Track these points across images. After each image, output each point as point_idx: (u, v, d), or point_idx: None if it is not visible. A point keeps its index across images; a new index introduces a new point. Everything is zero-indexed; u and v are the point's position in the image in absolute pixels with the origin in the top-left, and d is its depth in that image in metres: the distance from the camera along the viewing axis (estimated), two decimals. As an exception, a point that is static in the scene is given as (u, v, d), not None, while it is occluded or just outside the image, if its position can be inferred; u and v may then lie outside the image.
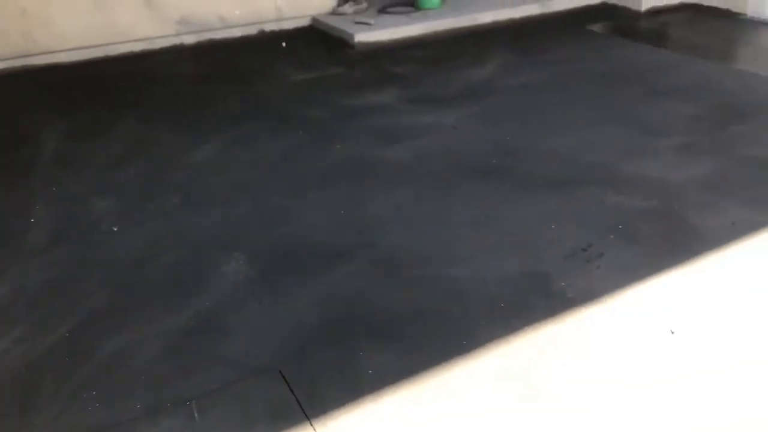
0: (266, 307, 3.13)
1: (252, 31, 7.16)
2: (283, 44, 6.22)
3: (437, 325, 2.98)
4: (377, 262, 3.43)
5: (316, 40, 7.09)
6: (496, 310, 3.05)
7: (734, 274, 3.18)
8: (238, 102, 5.56)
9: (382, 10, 7.50)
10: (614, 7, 7.77)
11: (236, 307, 3.14)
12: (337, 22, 7.23)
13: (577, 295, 3.09)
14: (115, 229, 3.82)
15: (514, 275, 3.29)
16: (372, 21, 7.11)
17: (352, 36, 6.85)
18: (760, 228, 3.51)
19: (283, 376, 2.70)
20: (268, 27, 7.24)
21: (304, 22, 7.45)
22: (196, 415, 2.55)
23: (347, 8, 7.43)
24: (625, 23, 7.36)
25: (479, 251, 3.49)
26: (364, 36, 6.85)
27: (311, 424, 2.48)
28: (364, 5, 7.53)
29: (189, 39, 6.84)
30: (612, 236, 3.53)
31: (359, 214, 3.86)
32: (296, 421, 2.49)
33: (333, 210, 3.90)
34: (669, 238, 3.50)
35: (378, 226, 3.73)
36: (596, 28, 7.11)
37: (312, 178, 4.27)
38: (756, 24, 6.96)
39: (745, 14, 7.16)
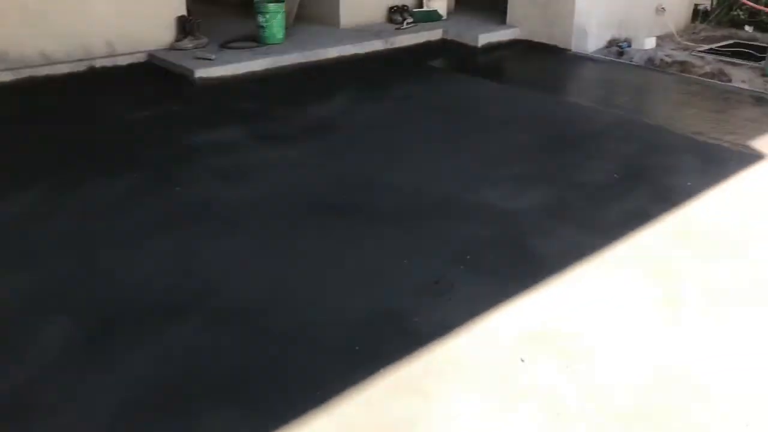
0: (92, 377, 2.77)
1: (80, 67, 6.63)
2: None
3: (288, 378, 2.78)
4: (219, 315, 3.17)
5: (153, 77, 6.70)
6: (351, 354, 2.91)
7: (577, 296, 3.28)
8: (63, 144, 5.06)
9: (224, 45, 7.26)
10: (453, 44, 8.08)
11: (57, 380, 2.75)
12: (176, 58, 6.88)
13: (433, 330, 3.04)
14: None
15: (366, 316, 3.17)
16: (213, 56, 6.84)
17: (192, 71, 6.54)
18: (595, 250, 3.67)
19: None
20: (99, 63, 6.74)
21: (140, 57, 7.02)
22: None
23: (186, 43, 7.11)
24: (464, 59, 7.67)
25: (329, 294, 3.35)
26: (205, 71, 6.57)
27: None
28: (205, 40, 7.25)
29: (5, 77, 6.20)
30: (461, 267, 3.53)
31: (199, 263, 3.57)
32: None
33: (170, 261, 3.59)
34: (514, 265, 3.56)
35: (219, 275, 3.47)
36: (437, 63, 7.34)
37: (148, 226, 3.92)
38: (579, 59, 7.52)
39: (569, 50, 7.72)
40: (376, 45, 7.67)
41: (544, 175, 4.63)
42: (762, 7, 8.14)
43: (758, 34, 8.47)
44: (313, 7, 8.55)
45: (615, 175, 4.58)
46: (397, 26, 8.31)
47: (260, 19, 7.37)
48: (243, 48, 7.24)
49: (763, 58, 6.86)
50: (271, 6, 7.38)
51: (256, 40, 7.46)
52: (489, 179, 4.54)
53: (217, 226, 3.94)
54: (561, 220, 4.02)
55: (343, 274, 3.51)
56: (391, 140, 5.24)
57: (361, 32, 8.02)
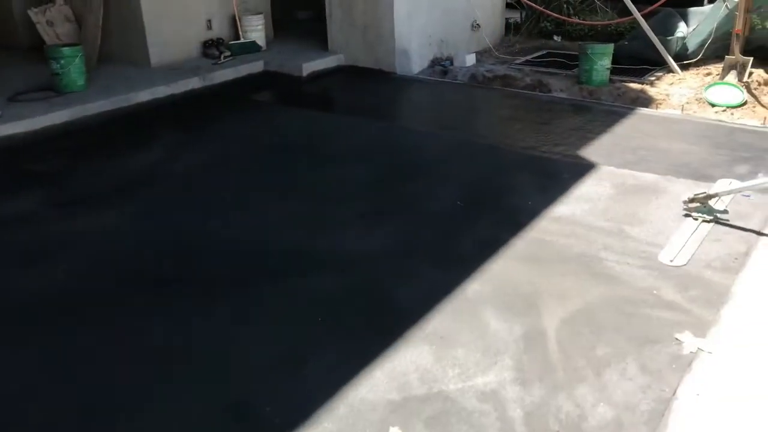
0: None
1: None
2: None
3: None
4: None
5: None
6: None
7: (442, 347, 3.00)
8: None
9: (13, 98, 6.33)
10: (276, 75, 7.69)
11: None
12: (-49, 118, 5.86)
13: (288, 419, 2.60)
14: None
15: (211, 413, 2.67)
16: (0, 112, 5.91)
17: (-27, 133, 5.59)
18: (454, 288, 3.43)
19: None
20: None
21: None
22: None
23: (-36, 99, 6.10)
24: (290, 90, 7.31)
25: (163, 391, 2.80)
26: (-11, 131, 5.64)
27: None
28: (-13, 94, 6.27)
29: None
30: (315, 333, 3.13)
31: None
32: None
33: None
34: (373, 322, 3.22)
35: (10, 400, 2.79)
36: (262, 97, 6.92)
37: None
38: (405, 81, 7.44)
39: (395, 72, 7.63)
40: (193, 83, 7.09)
41: (390, 209, 4.36)
42: (566, 18, 8.59)
43: (566, 43, 8.95)
44: (119, 46, 7.79)
45: (459, 203, 4.41)
46: (214, 61, 7.78)
47: (54, 65, 6.52)
48: (37, 100, 6.35)
49: (575, 66, 7.17)
50: (66, 50, 6.57)
51: (52, 89, 6.60)
52: (335, 221, 4.19)
53: (5, 328, 3.22)
54: (415, 259, 3.75)
55: (179, 365, 2.97)
56: (221, 189, 4.73)
57: (175, 70, 7.40)
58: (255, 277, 3.63)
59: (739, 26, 6.55)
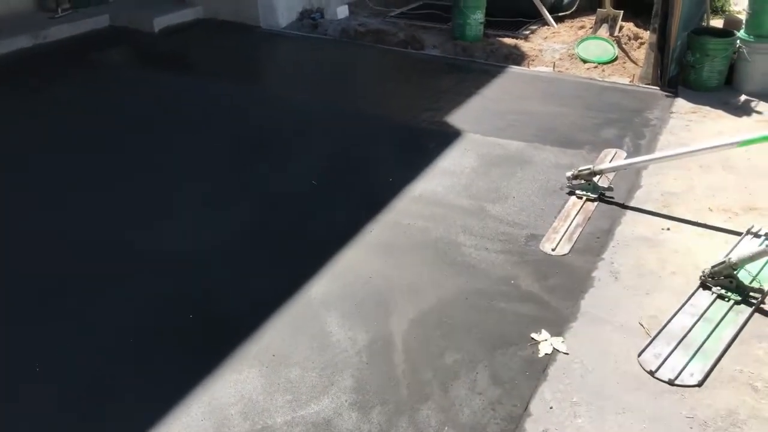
0: None
1: None
2: None
3: None
4: None
5: None
6: None
7: (271, 362, 2.62)
8: None
9: None
10: (124, 31, 6.87)
11: None
12: None
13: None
14: None
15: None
16: None
17: None
18: (297, 288, 3.05)
19: None
20: None
21: None
22: None
23: None
24: (139, 48, 6.53)
25: None
26: None
27: None
28: None
29: None
30: (121, 358, 2.67)
31: None
32: None
33: None
34: (192, 338, 2.78)
35: None
36: (105, 57, 6.11)
37: None
38: (271, 37, 6.83)
39: (259, 26, 6.99)
40: (22, 42, 6.20)
41: (237, 192, 3.88)
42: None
43: (444, -7, 8.55)
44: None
45: (313, 182, 3.99)
46: (50, 15, 6.84)
47: None
48: None
49: (449, 19, 6.80)
50: None
51: None
52: (170, 209, 3.67)
53: None
54: (257, 254, 3.32)
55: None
56: (41, 170, 4.07)
57: (1, 25, 6.43)
58: (61, 284, 3.08)
59: (610, -22, 6.37)
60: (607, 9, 6.36)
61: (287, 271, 3.19)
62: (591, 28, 6.56)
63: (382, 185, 3.94)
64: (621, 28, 6.33)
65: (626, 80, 5.64)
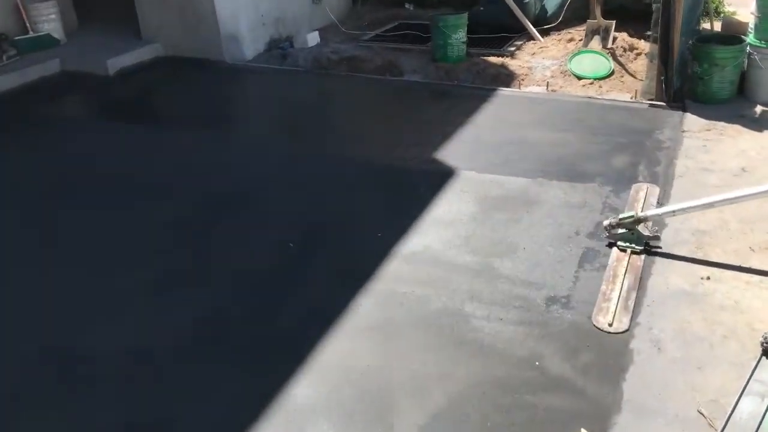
0: None
1: None
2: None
3: None
4: None
5: None
6: None
7: None
8: None
9: None
10: (76, 76, 6.29)
11: None
12: None
13: None
14: None
15: None
16: None
17: None
18: (275, 394, 2.50)
19: None
20: None
21: None
22: None
23: None
24: (90, 95, 5.95)
25: None
26: None
27: None
28: None
29: None
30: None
31: None
32: None
33: None
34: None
35: None
36: (52, 109, 5.53)
37: None
38: (236, 72, 6.29)
39: (224, 61, 6.46)
40: (-39, 96, 5.60)
41: (193, 270, 3.30)
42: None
43: (420, 11, 8.08)
44: None
45: (290, 245, 3.44)
46: (-6, 63, 6.26)
47: None
48: None
49: (429, 38, 6.30)
50: None
51: None
52: (110, 299, 3.09)
53: None
54: (220, 353, 2.76)
55: None
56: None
57: (-61, 80, 5.85)
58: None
59: (598, -14, 5.92)
60: (598, 19, 5.90)
61: (259, 375, 2.62)
62: (581, 40, 6.10)
63: (369, 243, 3.40)
64: (615, 39, 5.88)
65: (627, 96, 5.16)
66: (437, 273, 3.13)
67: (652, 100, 4.96)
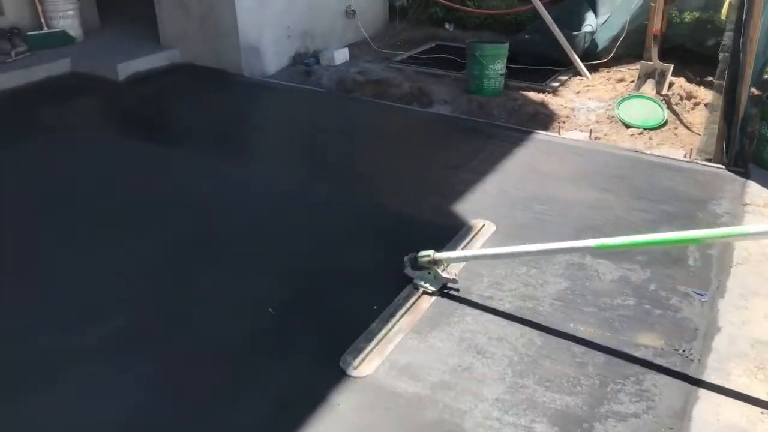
0: None
1: None
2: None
3: None
4: None
5: None
6: None
7: None
8: None
9: None
10: (85, 78, 5.93)
11: None
12: None
13: None
14: None
15: None
16: None
17: None
18: None
19: None
20: None
21: None
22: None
23: None
24: (95, 102, 5.58)
25: None
26: None
27: None
28: None
29: None
30: None
31: None
32: None
33: None
34: None
35: None
36: (50, 116, 5.13)
37: None
38: (253, 88, 5.83)
39: (241, 74, 6.02)
40: (-41, 93, 5.27)
41: (153, 333, 2.82)
42: (457, 5, 7.18)
43: (459, 33, 7.56)
44: None
45: (270, 311, 2.94)
46: (2, 58, 5.93)
47: None
48: None
49: (464, 66, 5.77)
50: None
51: None
52: (43, 367, 2.62)
53: None
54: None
55: None
56: None
57: (-58, 73, 5.54)
58: None
59: (656, 25, 5.31)
60: (654, 61, 5.29)
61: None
62: (633, 82, 5.49)
63: (361, 318, 2.88)
64: (671, 84, 5.26)
65: (681, 153, 4.55)
66: (432, 396, 2.59)
67: (709, 160, 4.35)
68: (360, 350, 2.66)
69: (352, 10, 7.03)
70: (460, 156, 4.45)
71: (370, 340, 2.71)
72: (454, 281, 3.03)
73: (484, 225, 3.57)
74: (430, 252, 2.97)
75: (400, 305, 2.92)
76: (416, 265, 3.02)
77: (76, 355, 2.67)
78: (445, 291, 3.03)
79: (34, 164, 4.32)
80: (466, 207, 3.79)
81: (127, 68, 5.88)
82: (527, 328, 2.81)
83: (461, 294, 3.01)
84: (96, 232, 3.54)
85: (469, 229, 3.54)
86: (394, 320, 2.82)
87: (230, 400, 2.46)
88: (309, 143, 4.88)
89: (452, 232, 3.49)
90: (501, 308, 2.93)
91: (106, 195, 3.93)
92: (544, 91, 5.65)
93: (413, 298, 2.97)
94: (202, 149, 4.61)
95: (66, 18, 6.43)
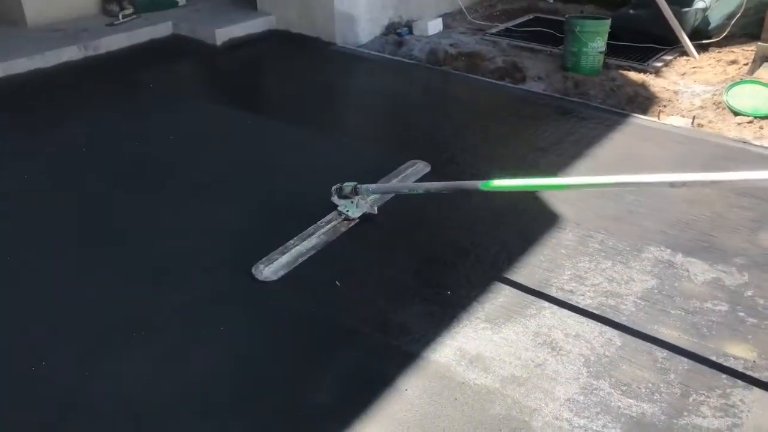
0: None
1: None
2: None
3: None
4: None
5: None
6: None
7: None
8: None
9: None
10: (184, 42, 6.10)
11: None
12: None
13: None
14: None
15: None
16: None
17: None
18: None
19: None
20: None
21: None
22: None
23: None
24: (192, 65, 5.74)
25: None
26: None
27: None
28: None
29: None
30: None
31: None
32: None
33: None
34: None
35: None
36: (148, 76, 5.30)
37: None
38: (344, 57, 5.82)
39: (334, 43, 6.02)
40: (69, 53, 5.54)
41: (234, 297, 2.92)
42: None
43: (560, 5, 7.26)
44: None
45: (337, 283, 2.97)
46: (110, 21, 6.19)
47: None
48: None
49: (562, 41, 5.53)
50: None
51: None
52: (139, 325, 2.76)
53: None
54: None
55: None
56: (24, 239, 3.30)
57: (56, 32, 5.84)
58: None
59: (779, 3, 4.89)
60: (772, 44, 4.89)
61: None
62: (746, 65, 5.11)
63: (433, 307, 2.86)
64: (790, 70, 4.86)
65: (794, 146, 4.21)
66: (509, 360, 2.55)
67: (826, 156, 4.01)
68: (272, 260, 3.04)
69: (450, -21, 6.86)
70: (548, 138, 4.30)
71: (284, 253, 3.09)
72: (373, 212, 3.38)
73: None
74: (353, 183, 3.32)
75: (320, 227, 3.28)
76: (341, 194, 3.37)
77: (173, 311, 2.80)
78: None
79: (133, 125, 4.50)
80: (552, 193, 3.66)
81: (224, 33, 6.00)
82: (607, 327, 2.71)
83: (539, 287, 2.93)
84: (188, 197, 3.67)
85: (555, 217, 3.43)
86: (310, 238, 3.20)
87: (302, 381, 2.51)
88: (396, 117, 4.84)
89: (533, 223, 3.39)
90: (581, 304, 2.83)
91: (181, 158, 4.05)
92: (645, 71, 5.36)
93: (334, 222, 3.33)
94: (291, 118, 4.65)
95: (171, -20, 6.61)
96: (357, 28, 6.12)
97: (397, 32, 6.30)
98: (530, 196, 3.62)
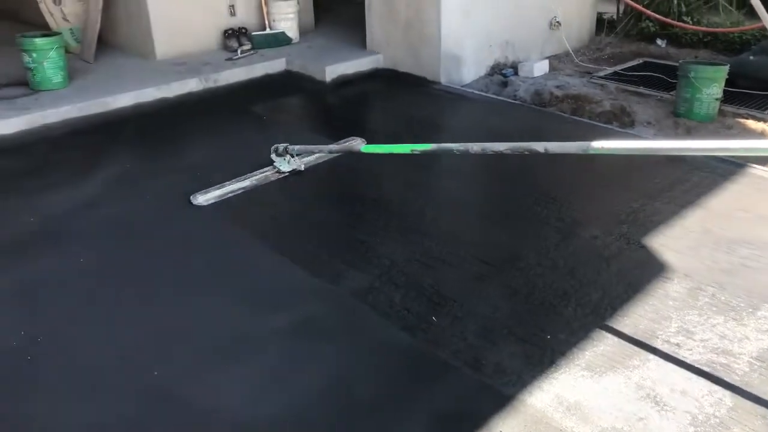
0: None
1: None
2: None
3: None
4: None
5: None
6: None
7: None
8: None
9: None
10: (296, 78, 6.40)
11: None
12: None
13: None
14: None
15: None
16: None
17: None
18: None
19: None
20: None
21: None
22: None
23: None
24: (302, 100, 5.99)
25: None
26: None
27: None
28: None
29: None
30: None
31: None
32: None
33: None
34: None
35: None
36: (262, 109, 5.61)
37: None
38: (448, 97, 5.90)
39: (438, 82, 6.13)
40: (191, 85, 5.94)
41: (337, 324, 2.99)
42: (672, 22, 6.71)
43: (673, 50, 7.08)
44: (125, 35, 6.77)
45: (434, 318, 2.97)
46: (229, 56, 6.59)
47: (26, 58, 5.56)
48: (6, 98, 5.42)
49: (674, 86, 5.39)
50: (39, 41, 5.57)
51: (27, 84, 5.67)
52: (249, 339, 2.88)
53: None
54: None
55: None
56: (151, 258, 3.53)
57: (180, 66, 6.29)
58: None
59: None
60: None
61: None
62: None
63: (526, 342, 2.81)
64: None
65: None
66: (609, 411, 2.46)
67: None
68: (207, 192, 4.00)
69: (557, 22, 6.87)
70: (657, 184, 4.16)
71: (219, 188, 4.04)
72: (299, 169, 4.24)
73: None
74: (286, 144, 4.14)
75: (253, 175, 4.20)
76: (278, 153, 4.18)
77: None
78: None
79: (245, 153, 4.74)
80: (660, 242, 3.53)
81: (334, 70, 6.25)
82: (717, 387, 2.57)
83: (643, 338, 2.82)
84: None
85: (661, 266, 3.31)
86: (242, 179, 4.14)
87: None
88: (498, 156, 4.83)
89: (639, 271, 3.28)
90: (689, 359, 2.70)
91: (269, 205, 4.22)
92: (765, 120, 5.11)
93: (267, 172, 4.25)
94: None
95: (287, 20, 6.98)
96: (462, 69, 6.21)
97: (502, 73, 6.34)
98: (636, 243, 3.51)
